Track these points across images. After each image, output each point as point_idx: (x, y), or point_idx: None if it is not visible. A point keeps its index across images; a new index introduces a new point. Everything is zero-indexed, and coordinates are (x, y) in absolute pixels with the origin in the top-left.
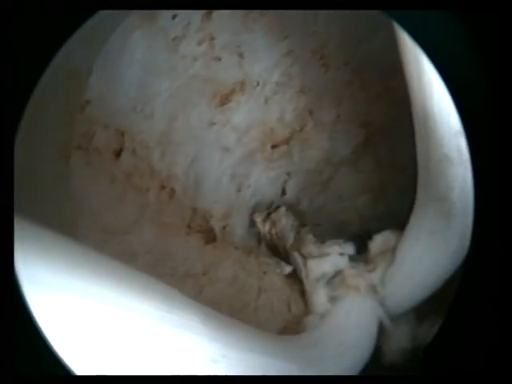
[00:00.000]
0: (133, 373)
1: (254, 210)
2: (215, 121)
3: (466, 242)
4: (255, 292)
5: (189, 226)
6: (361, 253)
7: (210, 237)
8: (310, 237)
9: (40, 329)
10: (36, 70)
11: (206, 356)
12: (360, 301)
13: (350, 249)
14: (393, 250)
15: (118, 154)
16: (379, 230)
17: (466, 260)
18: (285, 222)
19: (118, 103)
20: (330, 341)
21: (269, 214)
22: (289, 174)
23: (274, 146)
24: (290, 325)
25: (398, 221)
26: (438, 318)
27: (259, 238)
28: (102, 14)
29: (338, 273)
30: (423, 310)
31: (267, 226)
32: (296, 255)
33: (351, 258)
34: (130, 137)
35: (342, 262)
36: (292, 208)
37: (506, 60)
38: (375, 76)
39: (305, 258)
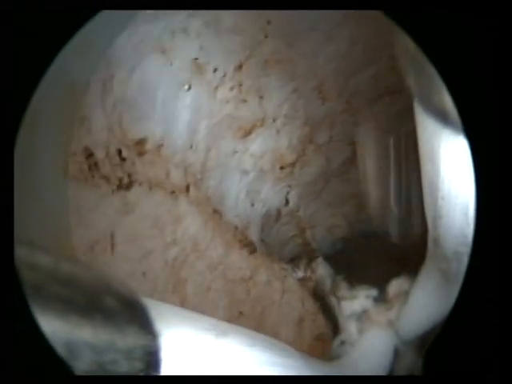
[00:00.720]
0: None
1: (264, 219)
2: (237, 149)
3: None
4: (280, 292)
5: (240, 241)
6: (381, 294)
7: (252, 248)
8: (344, 283)
9: (40, 329)
10: (36, 73)
11: None
12: (381, 332)
13: (374, 292)
14: (406, 294)
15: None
16: (363, 232)
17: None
18: (322, 270)
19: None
20: (360, 363)
21: (309, 262)
22: (290, 186)
23: (281, 167)
24: (304, 316)
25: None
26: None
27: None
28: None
29: (364, 311)
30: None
31: (308, 273)
32: (332, 298)
33: (374, 299)
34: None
35: (368, 303)
36: (292, 214)
37: (506, 60)
38: (363, 102)
39: (339, 299)
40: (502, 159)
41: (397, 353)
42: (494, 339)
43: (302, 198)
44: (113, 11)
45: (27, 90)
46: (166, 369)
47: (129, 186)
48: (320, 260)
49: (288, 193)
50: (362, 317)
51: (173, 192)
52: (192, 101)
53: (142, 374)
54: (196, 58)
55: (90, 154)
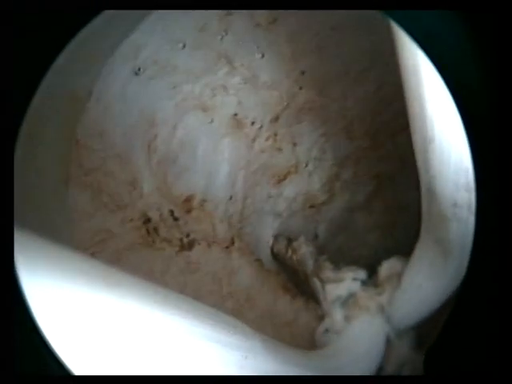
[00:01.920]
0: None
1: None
2: (272, 194)
3: (461, 276)
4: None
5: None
6: (371, 277)
7: (294, 292)
8: (327, 264)
9: (40, 329)
10: (36, 74)
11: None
12: (370, 319)
13: (362, 274)
14: (398, 276)
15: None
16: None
17: (461, 285)
18: (304, 249)
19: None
20: (346, 353)
21: (289, 242)
22: (317, 221)
23: (311, 206)
24: None
25: (403, 252)
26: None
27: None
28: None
29: (351, 295)
30: (423, 328)
31: (289, 253)
32: (315, 280)
33: (363, 282)
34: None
35: (355, 286)
36: (322, 248)
37: (506, 60)
38: (386, 137)
39: (323, 282)
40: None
41: (389, 343)
42: (495, 339)
43: (329, 231)
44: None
45: (27, 93)
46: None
47: (191, 246)
48: (302, 239)
49: (316, 228)
50: (348, 302)
51: (227, 247)
52: (230, 153)
53: None
54: (235, 114)
55: (147, 219)
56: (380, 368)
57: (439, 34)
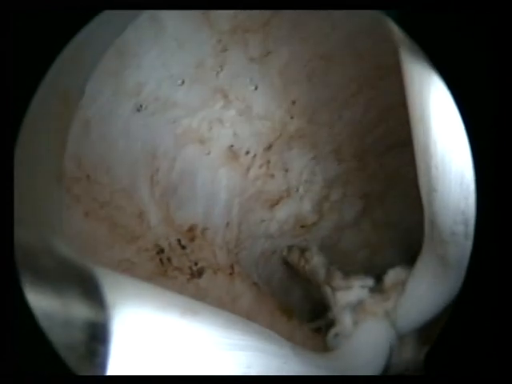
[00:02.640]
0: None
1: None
2: (265, 218)
3: (459, 284)
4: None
5: (279, 308)
6: (377, 284)
7: (289, 314)
8: (338, 273)
9: (40, 329)
10: (36, 73)
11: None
12: (377, 324)
13: (369, 282)
14: (403, 284)
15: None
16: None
17: (460, 292)
18: (316, 260)
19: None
20: (354, 356)
21: (302, 253)
22: (307, 240)
23: (302, 226)
24: None
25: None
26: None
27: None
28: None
29: (360, 301)
30: (425, 332)
31: (302, 263)
32: (327, 288)
33: (370, 290)
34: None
35: (363, 293)
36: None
37: (506, 60)
38: (373, 158)
39: (334, 290)
40: (498, 127)
41: (394, 346)
42: (494, 339)
43: (319, 250)
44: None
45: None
46: (117, 344)
47: (200, 274)
48: (314, 249)
49: (306, 246)
50: (357, 308)
51: (230, 274)
52: (227, 182)
53: (84, 347)
54: (231, 145)
55: (160, 249)
56: (385, 369)
57: (439, 34)
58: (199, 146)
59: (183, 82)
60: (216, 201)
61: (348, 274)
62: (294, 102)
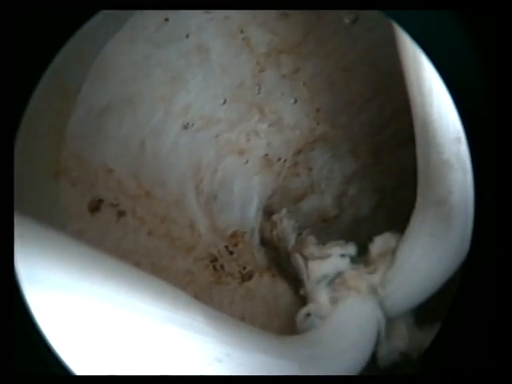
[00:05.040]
0: (134, 373)
1: None
2: (291, 211)
3: (466, 244)
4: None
5: None
6: (361, 254)
7: None
8: (312, 238)
9: (40, 329)
10: (35, 72)
11: (210, 355)
12: (360, 302)
13: (351, 250)
14: (393, 252)
15: None
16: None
17: (465, 262)
18: (286, 223)
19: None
20: (331, 340)
21: (270, 216)
22: (328, 234)
23: (323, 220)
24: None
25: None
26: (438, 323)
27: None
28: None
29: (339, 274)
30: (423, 313)
31: (268, 227)
32: (297, 256)
33: (352, 260)
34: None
35: (343, 264)
36: None
37: (506, 60)
38: (386, 154)
39: (306, 259)
40: (503, 162)
41: (382, 331)
42: (493, 339)
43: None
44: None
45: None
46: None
47: (250, 277)
48: (283, 211)
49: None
50: (335, 282)
51: (273, 275)
52: (260, 187)
53: None
54: (266, 154)
55: (214, 258)
56: (370, 362)
57: (439, 34)
58: (238, 156)
59: (225, 101)
60: (250, 205)
61: (324, 239)
62: (318, 110)
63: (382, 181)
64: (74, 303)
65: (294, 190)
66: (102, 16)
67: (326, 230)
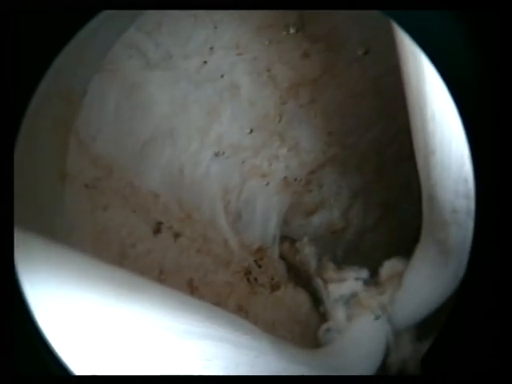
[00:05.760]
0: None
1: None
2: (303, 224)
3: (461, 273)
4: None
5: None
6: (372, 277)
7: None
8: (330, 264)
9: (40, 329)
10: (36, 72)
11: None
12: (372, 318)
13: (364, 274)
14: (399, 276)
15: None
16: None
17: (459, 286)
18: (308, 250)
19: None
20: (348, 352)
21: (293, 243)
22: (336, 244)
23: (332, 232)
24: None
25: None
26: (432, 336)
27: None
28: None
29: (353, 295)
30: (423, 327)
31: (291, 253)
32: (318, 280)
33: (365, 282)
34: None
35: (358, 286)
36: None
37: (506, 60)
38: (389, 170)
39: (325, 282)
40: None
41: (391, 342)
42: (493, 339)
43: (344, 252)
44: None
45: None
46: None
47: (278, 287)
48: (305, 239)
49: (335, 249)
50: (350, 301)
51: (295, 286)
52: (279, 205)
53: None
54: (285, 177)
55: (248, 271)
56: (382, 366)
57: (439, 33)
58: (260, 179)
59: (251, 131)
60: (270, 222)
61: (340, 265)
62: (330, 133)
63: (385, 194)
64: (74, 303)
65: (305, 204)
66: (104, 16)
67: (335, 241)
